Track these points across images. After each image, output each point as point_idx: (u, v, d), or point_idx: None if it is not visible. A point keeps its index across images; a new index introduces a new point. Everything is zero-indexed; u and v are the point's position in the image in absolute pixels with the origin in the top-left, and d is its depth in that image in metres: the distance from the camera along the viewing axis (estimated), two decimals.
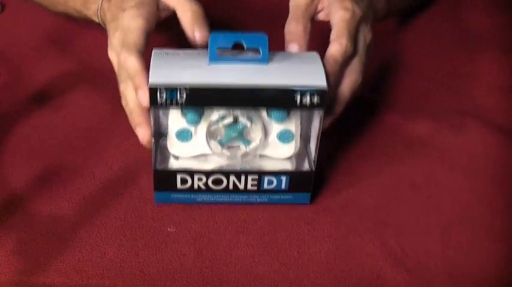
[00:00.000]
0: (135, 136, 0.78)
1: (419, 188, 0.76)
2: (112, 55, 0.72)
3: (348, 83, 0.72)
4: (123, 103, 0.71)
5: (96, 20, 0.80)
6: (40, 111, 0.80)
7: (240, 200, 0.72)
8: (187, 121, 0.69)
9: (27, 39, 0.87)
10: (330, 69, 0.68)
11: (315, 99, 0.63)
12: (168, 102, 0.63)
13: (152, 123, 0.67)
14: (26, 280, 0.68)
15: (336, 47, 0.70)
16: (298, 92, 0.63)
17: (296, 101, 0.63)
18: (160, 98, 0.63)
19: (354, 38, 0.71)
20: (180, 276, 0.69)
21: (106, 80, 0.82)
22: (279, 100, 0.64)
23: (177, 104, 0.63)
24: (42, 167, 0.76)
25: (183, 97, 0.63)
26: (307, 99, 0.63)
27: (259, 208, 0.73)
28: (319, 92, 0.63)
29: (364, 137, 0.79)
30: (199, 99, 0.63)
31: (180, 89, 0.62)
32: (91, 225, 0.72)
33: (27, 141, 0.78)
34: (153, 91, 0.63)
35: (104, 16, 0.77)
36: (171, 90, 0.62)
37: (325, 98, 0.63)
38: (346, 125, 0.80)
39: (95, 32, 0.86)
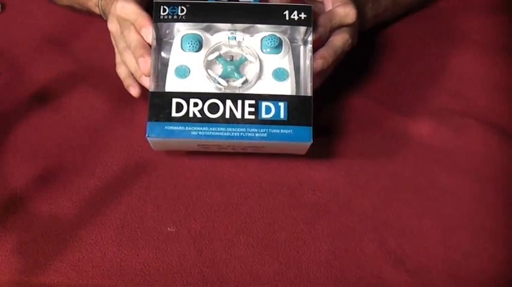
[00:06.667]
0: (135, 136, 0.78)
1: (420, 189, 0.76)
2: (111, 25, 0.76)
3: (341, 35, 0.75)
4: (122, 57, 0.76)
5: (97, 12, 0.82)
6: (40, 111, 0.80)
7: (238, 134, 0.68)
8: (188, 48, 0.71)
9: (27, 39, 0.87)
10: (321, 21, 0.73)
11: (302, 15, 0.71)
12: (170, 16, 0.71)
13: (155, 38, 0.71)
14: (26, 280, 0.69)
15: (340, 10, 0.75)
16: (287, 9, 0.71)
17: (285, 15, 0.71)
18: (163, 12, 0.71)
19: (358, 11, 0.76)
20: (180, 276, 0.69)
21: (106, 80, 0.82)
22: (270, 16, 0.71)
23: (178, 18, 0.71)
24: (42, 167, 0.76)
25: (183, 12, 0.71)
26: (294, 15, 0.71)
27: (259, 208, 0.74)
28: (305, 8, 0.71)
29: (364, 137, 0.79)
30: (198, 15, 0.71)
31: (181, 5, 0.71)
32: (91, 225, 0.72)
33: (27, 141, 0.78)
34: (157, 7, 0.71)
35: (104, 5, 0.80)
36: (173, 6, 0.71)
37: (311, 14, 0.71)
38: (346, 126, 0.80)
39: (95, 32, 0.86)
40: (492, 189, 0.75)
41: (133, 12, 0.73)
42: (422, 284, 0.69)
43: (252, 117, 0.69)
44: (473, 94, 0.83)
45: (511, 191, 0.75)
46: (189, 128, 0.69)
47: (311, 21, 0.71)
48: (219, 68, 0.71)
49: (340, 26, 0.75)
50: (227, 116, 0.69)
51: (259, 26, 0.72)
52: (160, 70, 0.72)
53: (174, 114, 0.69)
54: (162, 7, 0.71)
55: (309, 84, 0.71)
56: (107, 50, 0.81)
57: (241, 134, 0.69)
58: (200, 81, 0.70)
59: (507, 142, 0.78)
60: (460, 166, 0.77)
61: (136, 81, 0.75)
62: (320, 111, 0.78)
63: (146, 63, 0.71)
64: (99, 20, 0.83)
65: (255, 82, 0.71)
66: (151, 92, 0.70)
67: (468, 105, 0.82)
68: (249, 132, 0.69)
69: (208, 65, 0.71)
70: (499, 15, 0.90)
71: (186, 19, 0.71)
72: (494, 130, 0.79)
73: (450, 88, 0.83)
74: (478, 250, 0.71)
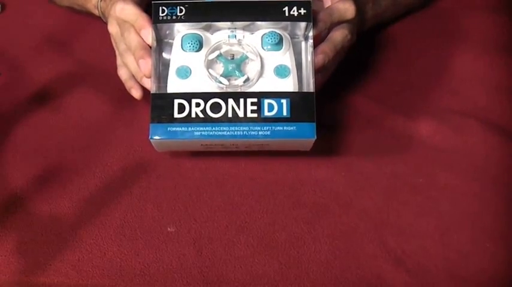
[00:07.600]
0: (135, 136, 0.78)
1: (420, 189, 0.76)
2: (111, 27, 0.76)
3: (340, 31, 0.75)
4: (123, 59, 0.75)
5: (96, 13, 0.82)
6: (40, 111, 0.80)
7: (241, 133, 0.68)
8: (188, 48, 0.71)
9: (27, 39, 0.87)
10: (321, 16, 0.73)
11: (301, 10, 0.71)
12: (169, 17, 0.71)
13: (155, 39, 0.71)
14: (26, 280, 0.69)
15: (339, 6, 0.75)
16: (286, 5, 0.71)
17: (284, 11, 0.71)
18: (162, 13, 0.71)
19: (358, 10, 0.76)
20: (180, 276, 0.69)
21: (106, 81, 0.82)
22: (270, 13, 0.71)
23: (177, 18, 0.71)
24: (42, 167, 0.76)
25: (182, 12, 0.71)
26: (294, 11, 0.71)
27: (259, 207, 0.74)
28: (304, 3, 0.71)
29: (364, 137, 0.79)
30: (197, 14, 0.71)
31: (179, 5, 0.71)
32: (91, 225, 0.72)
33: (27, 142, 0.78)
34: (155, 8, 0.71)
35: (104, 7, 0.79)
36: (172, 6, 0.71)
37: (310, 10, 0.71)
38: (347, 126, 0.80)
39: (95, 32, 0.86)
40: (492, 189, 0.75)
41: (133, 14, 0.72)
42: (422, 284, 0.69)
43: (255, 115, 0.68)
44: (473, 94, 0.83)
45: (510, 191, 0.75)
46: (192, 129, 0.68)
47: (311, 16, 0.71)
48: (220, 67, 0.71)
49: (340, 22, 0.75)
50: (229, 115, 0.68)
51: (259, 23, 0.71)
52: (161, 71, 0.72)
53: (176, 115, 0.68)
54: (160, 8, 0.71)
55: (311, 80, 0.70)
56: (106, 50, 0.81)
57: (244, 132, 0.68)
58: (202, 81, 0.70)
59: (507, 142, 0.78)
60: (460, 165, 0.77)
61: (138, 83, 0.75)
62: (321, 110, 0.78)
63: (147, 65, 0.71)
64: (99, 20, 0.83)
65: (257, 80, 0.70)
66: (153, 93, 0.70)
67: (468, 105, 0.82)
68: (252, 130, 0.68)
69: (209, 64, 0.71)
70: (499, 15, 0.90)
71: (185, 19, 0.71)
72: (495, 130, 0.79)
73: (450, 88, 0.83)
74: (478, 249, 0.71)
